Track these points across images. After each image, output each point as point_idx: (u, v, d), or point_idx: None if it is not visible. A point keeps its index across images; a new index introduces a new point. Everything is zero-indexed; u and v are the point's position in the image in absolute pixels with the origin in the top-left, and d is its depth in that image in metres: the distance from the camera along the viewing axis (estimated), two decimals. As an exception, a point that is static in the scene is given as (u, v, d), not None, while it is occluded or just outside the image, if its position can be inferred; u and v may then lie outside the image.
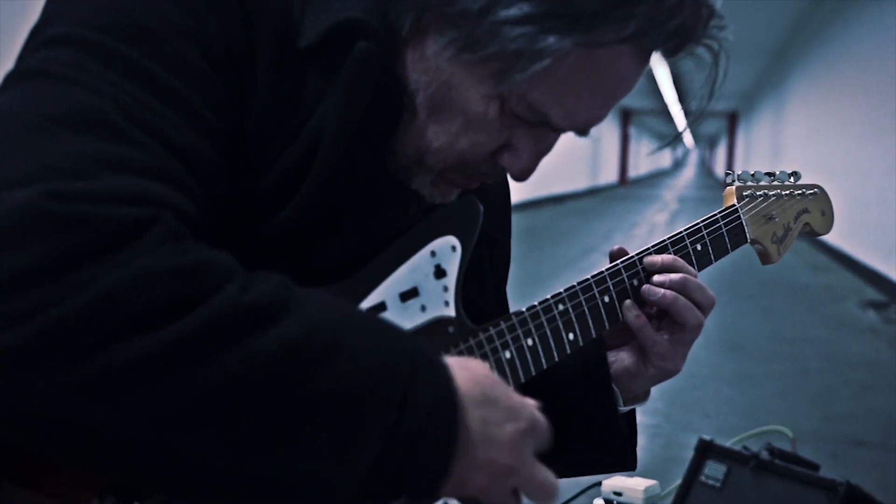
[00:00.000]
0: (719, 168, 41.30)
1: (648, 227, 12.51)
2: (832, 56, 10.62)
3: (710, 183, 35.60)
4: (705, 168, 64.35)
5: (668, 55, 0.69)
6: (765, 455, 1.78)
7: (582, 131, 0.72)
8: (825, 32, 11.16)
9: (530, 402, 0.65)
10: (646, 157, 43.79)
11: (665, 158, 67.51)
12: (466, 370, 0.62)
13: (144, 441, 0.49)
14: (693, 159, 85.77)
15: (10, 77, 0.58)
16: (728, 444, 1.89)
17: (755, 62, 17.42)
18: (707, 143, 67.63)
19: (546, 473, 0.65)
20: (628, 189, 27.41)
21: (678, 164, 76.43)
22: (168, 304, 0.49)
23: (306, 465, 0.53)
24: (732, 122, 29.41)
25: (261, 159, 0.63)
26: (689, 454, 1.89)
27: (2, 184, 0.49)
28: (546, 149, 0.72)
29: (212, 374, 0.49)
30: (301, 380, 0.52)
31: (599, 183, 24.89)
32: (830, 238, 8.78)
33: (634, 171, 37.15)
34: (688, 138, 58.04)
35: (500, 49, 0.63)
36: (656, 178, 43.62)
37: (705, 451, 1.87)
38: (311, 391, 0.52)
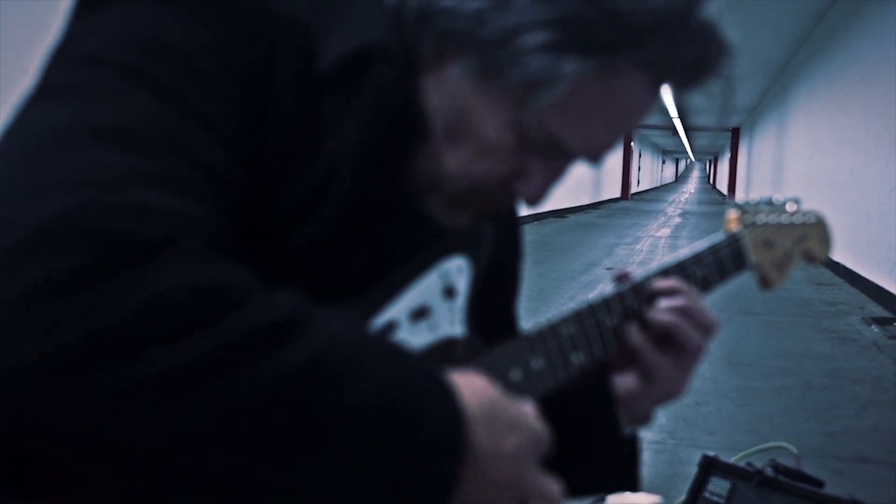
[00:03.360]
0: (721, 183, 41.33)
1: (651, 242, 12.52)
2: (834, 72, 10.65)
3: (713, 198, 35.62)
4: (707, 182, 64.42)
5: (680, 87, 0.70)
6: (769, 471, 1.77)
7: (594, 158, 0.72)
8: (827, 49, 11.19)
9: (529, 411, 0.66)
10: (648, 171, 43.85)
11: (668, 172, 67.61)
12: (470, 385, 0.62)
13: (162, 453, 0.49)
14: (695, 174, 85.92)
15: (37, 94, 0.58)
16: (732, 460, 1.89)
17: (758, 78, 17.46)
18: (709, 157, 67.73)
19: (550, 482, 0.66)
20: (631, 203, 27.44)
21: (680, 179, 76.57)
22: (192, 320, 0.49)
23: (321, 481, 0.53)
24: (735, 137, 29.47)
25: (280, 179, 0.64)
26: (693, 470, 1.88)
27: (31, 192, 0.49)
28: (559, 176, 0.73)
29: (232, 390, 0.50)
30: (318, 397, 0.52)
31: (602, 197, 24.92)
32: (834, 254, 8.75)
33: (636, 186, 37.19)
34: (690, 153, 58.12)
35: (520, 76, 0.64)
36: (658, 192, 43.65)
37: (709, 467, 1.86)
38: (328, 409, 0.53)
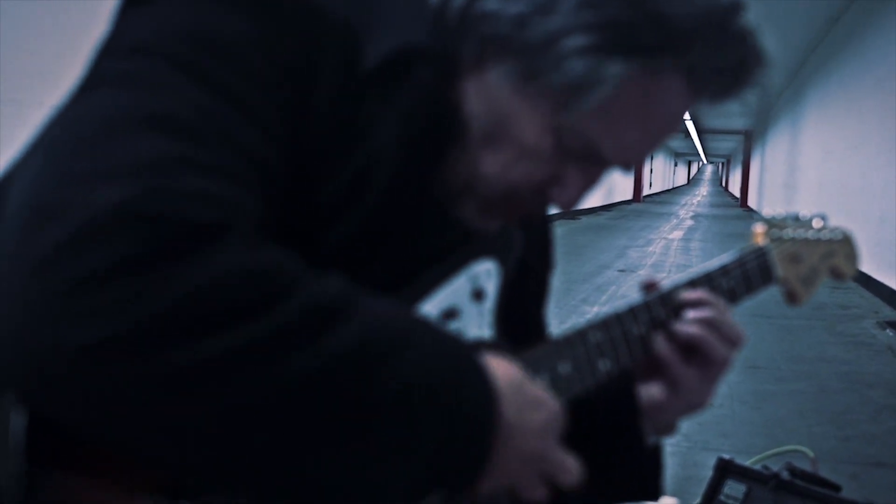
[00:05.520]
0: (734, 186, 41.15)
1: (664, 244, 12.48)
2: (847, 77, 10.60)
3: (725, 201, 35.47)
4: (720, 185, 64.17)
5: (717, 94, 0.70)
6: (785, 475, 1.76)
7: (627, 166, 0.73)
8: (841, 54, 11.14)
9: (547, 393, 0.67)
10: (660, 174, 43.66)
11: (680, 175, 67.34)
12: (496, 364, 0.64)
13: (216, 436, 0.50)
14: (707, 176, 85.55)
15: (87, 84, 0.59)
16: (747, 463, 1.88)
17: (771, 80, 17.37)
18: (722, 160, 67.45)
19: (570, 458, 0.67)
20: (643, 205, 27.35)
21: (692, 181, 76.25)
22: (248, 304, 0.50)
23: (366, 460, 0.54)
24: (748, 140, 29.35)
25: (318, 175, 0.64)
26: (707, 473, 1.87)
27: (89, 178, 0.50)
28: (593, 183, 0.73)
29: (284, 372, 0.50)
30: (366, 378, 0.53)
31: (614, 199, 24.85)
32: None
33: (648, 188, 37.04)
34: (702, 155, 57.87)
35: (562, 80, 0.64)
36: (671, 194, 43.50)
37: (724, 470, 1.85)
38: (376, 390, 0.54)
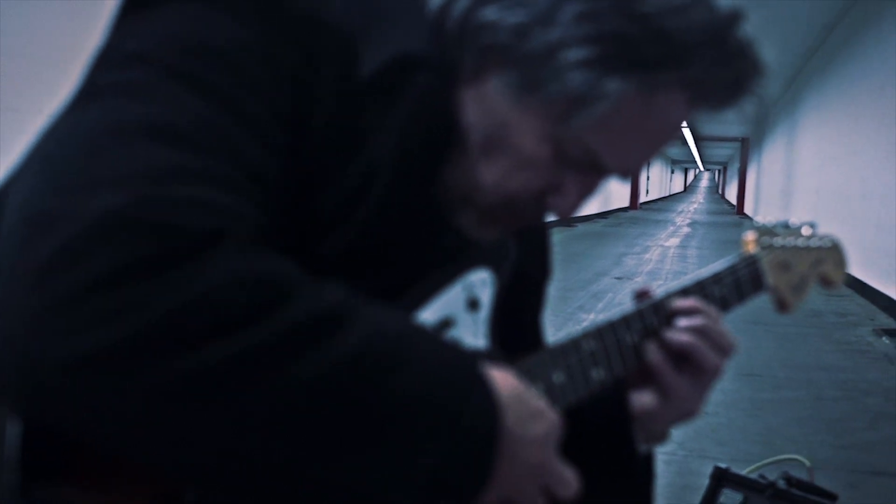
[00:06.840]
0: (731, 193, 41.29)
1: (660, 251, 12.49)
2: (845, 81, 10.63)
3: (722, 208, 35.59)
4: (716, 193, 64.42)
5: (715, 106, 0.70)
6: (782, 484, 1.76)
7: (627, 174, 0.72)
8: (838, 59, 11.18)
9: (545, 403, 0.67)
10: (657, 181, 43.85)
11: (676, 182, 67.62)
12: (498, 374, 0.63)
13: (214, 442, 0.50)
14: (704, 183, 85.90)
15: (83, 94, 0.58)
16: (744, 472, 1.87)
17: (767, 88, 17.44)
18: (718, 167, 67.69)
19: (568, 469, 0.66)
20: (640, 212, 27.41)
21: (689, 189, 76.56)
22: (244, 312, 0.50)
23: (366, 470, 0.53)
24: (744, 147, 29.43)
25: (317, 183, 0.64)
26: (703, 481, 1.87)
27: (85, 186, 0.50)
28: (592, 190, 0.73)
29: (281, 380, 0.50)
30: (364, 388, 0.53)
31: (611, 206, 24.91)
32: (844, 264, 8.73)
33: (645, 195, 37.14)
34: (699, 162, 58.12)
35: (561, 91, 0.64)
36: (667, 201, 43.62)
37: (721, 478, 1.84)
38: (375, 399, 0.53)
